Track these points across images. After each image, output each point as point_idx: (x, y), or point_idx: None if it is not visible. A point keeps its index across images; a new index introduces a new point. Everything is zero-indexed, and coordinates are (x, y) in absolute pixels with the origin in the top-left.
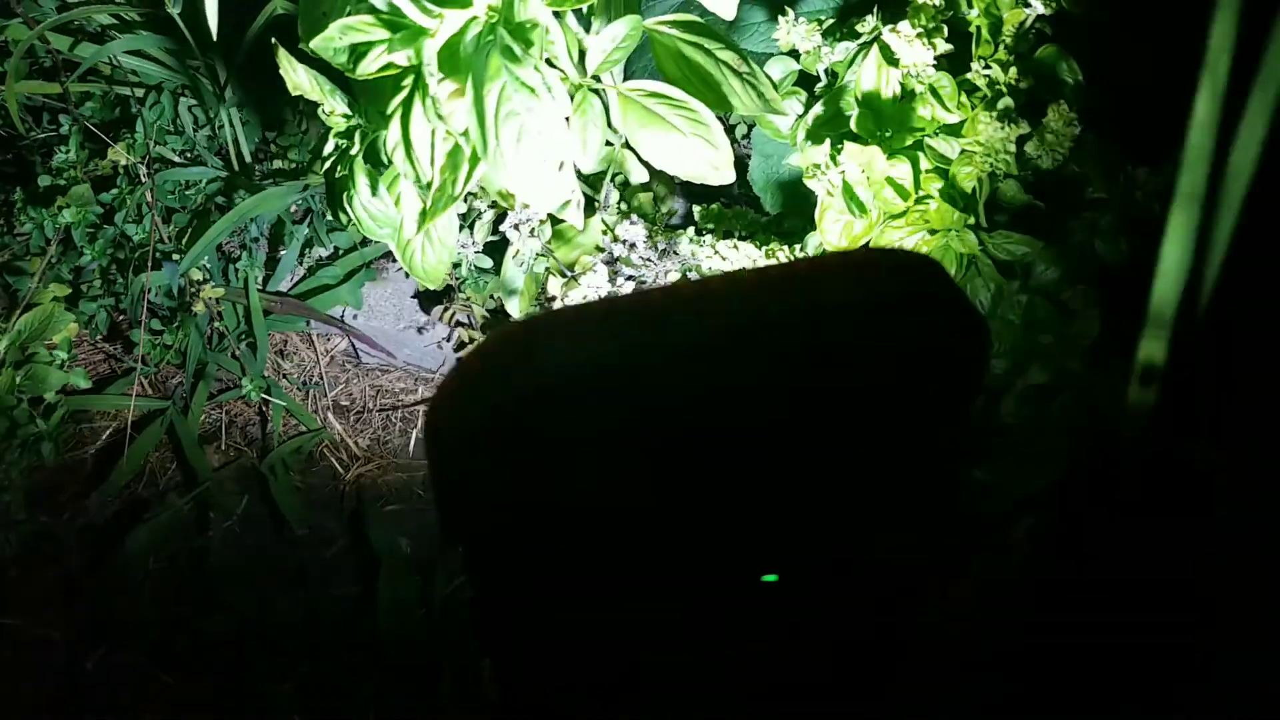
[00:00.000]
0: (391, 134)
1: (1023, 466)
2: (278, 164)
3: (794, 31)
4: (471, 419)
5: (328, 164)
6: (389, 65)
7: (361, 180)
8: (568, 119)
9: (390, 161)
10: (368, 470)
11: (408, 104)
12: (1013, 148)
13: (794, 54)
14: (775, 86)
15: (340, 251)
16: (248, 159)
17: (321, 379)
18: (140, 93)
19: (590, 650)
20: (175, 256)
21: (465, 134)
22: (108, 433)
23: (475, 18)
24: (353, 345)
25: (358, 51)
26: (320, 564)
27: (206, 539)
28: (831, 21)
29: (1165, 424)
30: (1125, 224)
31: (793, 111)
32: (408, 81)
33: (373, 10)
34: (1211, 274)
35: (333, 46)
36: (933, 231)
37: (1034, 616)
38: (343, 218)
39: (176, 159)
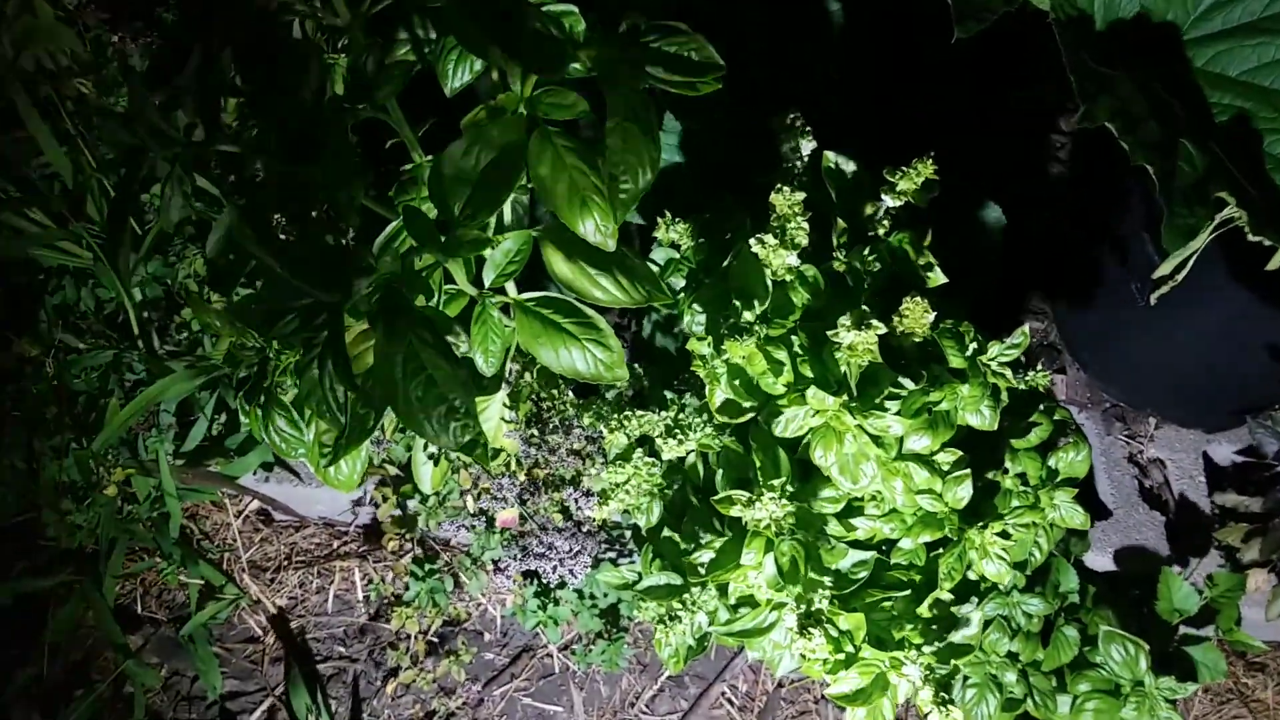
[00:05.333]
0: (304, 384)
1: None
2: (181, 335)
3: (673, 229)
4: None
5: (240, 391)
6: (297, 331)
7: (277, 413)
8: (468, 352)
9: (304, 403)
10: (286, 630)
11: (321, 361)
12: (874, 343)
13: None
14: (662, 271)
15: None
16: (151, 336)
17: (235, 540)
18: (36, 277)
19: None
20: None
21: (370, 375)
22: (20, 608)
23: (377, 281)
24: (264, 504)
25: (270, 316)
26: None
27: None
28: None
29: None
30: (985, 391)
31: (678, 283)
32: (319, 340)
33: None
34: None
35: (245, 312)
36: (815, 411)
37: None
38: (257, 435)
39: (80, 343)
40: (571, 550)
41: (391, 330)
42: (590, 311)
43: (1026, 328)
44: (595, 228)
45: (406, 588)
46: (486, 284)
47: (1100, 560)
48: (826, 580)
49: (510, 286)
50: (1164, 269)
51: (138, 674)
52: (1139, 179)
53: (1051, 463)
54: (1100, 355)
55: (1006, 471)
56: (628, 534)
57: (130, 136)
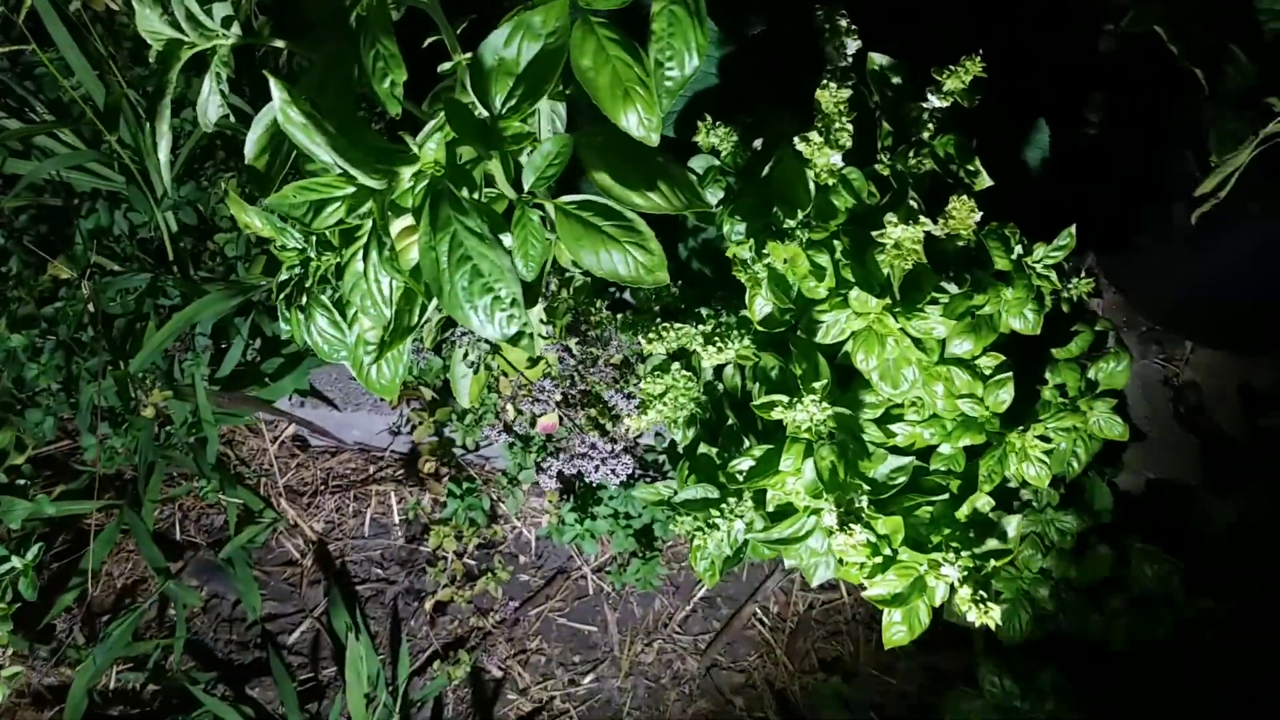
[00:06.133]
0: (349, 278)
1: None
2: (214, 261)
3: (713, 134)
4: None
5: (281, 294)
6: (344, 220)
7: (319, 313)
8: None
9: (347, 300)
10: (325, 553)
11: (365, 252)
12: (921, 239)
13: (714, 151)
14: (701, 179)
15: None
16: (186, 261)
17: (271, 465)
18: (70, 201)
19: None
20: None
21: (416, 271)
22: (61, 538)
23: (421, 171)
24: (300, 429)
25: (314, 207)
26: (285, 650)
27: (170, 639)
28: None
29: None
30: (1029, 294)
31: (715, 198)
32: (363, 231)
33: (325, 171)
34: None
35: (288, 203)
36: (856, 314)
37: None
38: (298, 338)
39: (114, 265)
40: (614, 450)
41: (437, 218)
42: (631, 215)
43: (1073, 228)
44: (639, 121)
45: (443, 507)
46: (526, 187)
47: (1134, 482)
48: (864, 486)
49: (545, 195)
50: (1206, 186)
51: (179, 594)
52: (1181, 92)
53: (1091, 374)
54: (1136, 278)
55: (1045, 382)
56: (661, 459)
57: (168, 24)
